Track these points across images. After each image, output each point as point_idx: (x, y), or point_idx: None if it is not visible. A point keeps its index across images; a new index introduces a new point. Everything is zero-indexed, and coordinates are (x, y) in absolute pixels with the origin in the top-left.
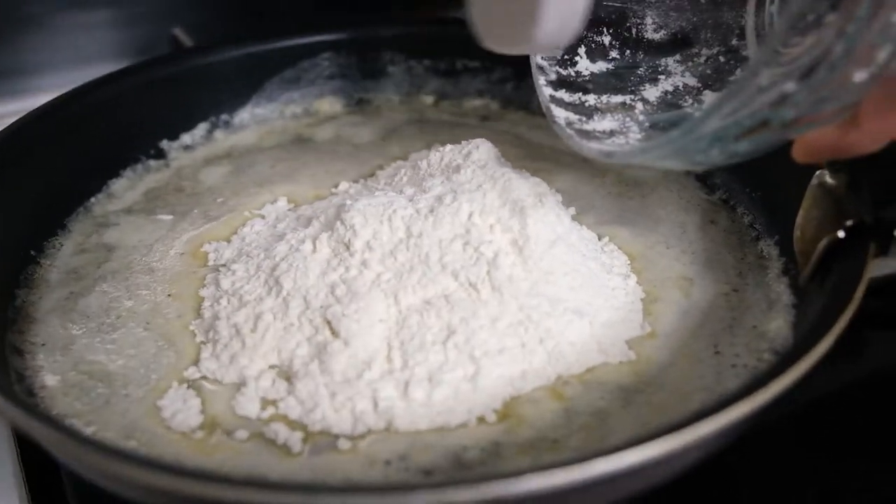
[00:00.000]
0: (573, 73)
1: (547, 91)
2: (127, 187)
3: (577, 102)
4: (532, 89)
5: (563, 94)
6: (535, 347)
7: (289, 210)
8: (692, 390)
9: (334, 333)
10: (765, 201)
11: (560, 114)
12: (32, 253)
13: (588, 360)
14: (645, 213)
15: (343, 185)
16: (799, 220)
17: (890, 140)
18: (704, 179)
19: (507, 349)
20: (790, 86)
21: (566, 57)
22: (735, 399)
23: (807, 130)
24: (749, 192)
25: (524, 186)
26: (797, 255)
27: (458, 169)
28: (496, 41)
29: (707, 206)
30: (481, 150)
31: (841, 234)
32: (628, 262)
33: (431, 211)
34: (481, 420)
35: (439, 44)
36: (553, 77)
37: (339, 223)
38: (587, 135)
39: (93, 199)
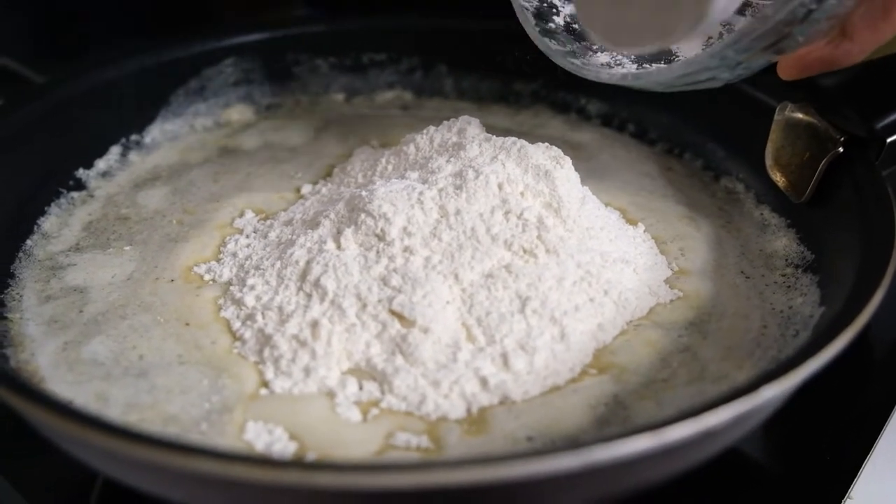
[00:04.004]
0: (553, 15)
1: (544, 38)
2: (60, 224)
3: (570, 43)
4: (442, 77)
5: (556, 38)
6: (603, 300)
7: (260, 220)
8: (748, 310)
9: (407, 323)
10: (710, 146)
11: (564, 53)
12: None
13: (646, 303)
14: (607, 170)
15: (307, 188)
16: (769, 152)
17: (876, 47)
18: (640, 136)
19: (580, 306)
20: (813, 5)
21: (544, 4)
22: (860, 302)
23: (805, 46)
24: (692, 141)
25: (538, 152)
26: (779, 182)
27: (459, 146)
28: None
29: (656, 158)
30: (473, 125)
31: (841, 149)
32: (620, 214)
33: (458, 188)
34: (585, 375)
35: (343, 39)
36: (536, 23)
37: (363, 215)
38: (596, 68)
39: (29, 242)
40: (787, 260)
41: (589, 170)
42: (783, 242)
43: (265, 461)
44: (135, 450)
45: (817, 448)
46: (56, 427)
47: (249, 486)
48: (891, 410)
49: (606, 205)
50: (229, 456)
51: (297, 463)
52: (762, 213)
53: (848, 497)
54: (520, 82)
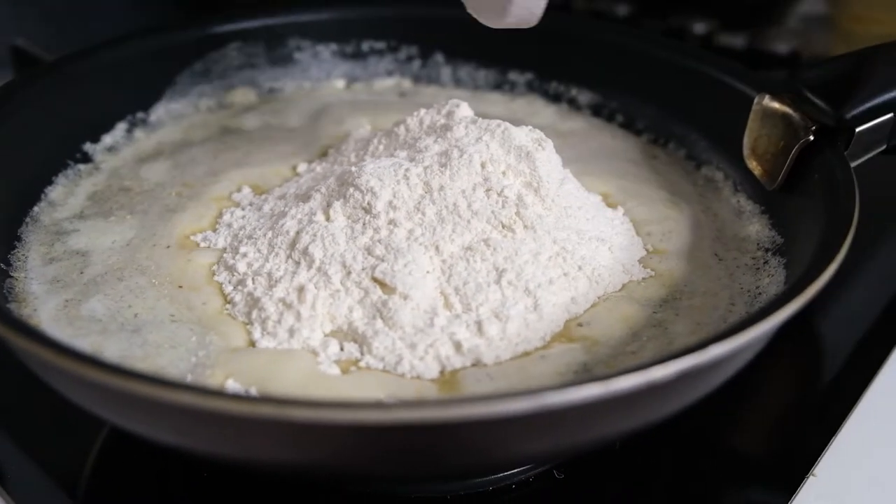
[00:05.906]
0: None
1: None
2: (66, 194)
3: None
4: (440, 65)
5: None
6: (577, 274)
7: (257, 195)
8: (718, 289)
9: (388, 290)
10: (693, 137)
11: None
12: (3, 266)
13: (618, 280)
14: (594, 156)
15: (303, 166)
16: (747, 141)
17: None
18: (627, 126)
19: (554, 279)
20: None
21: None
22: (812, 275)
23: None
24: (676, 132)
25: (521, 134)
26: (755, 170)
27: (447, 128)
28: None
29: (642, 146)
30: (462, 108)
31: (811, 137)
32: (601, 198)
33: (443, 166)
34: (555, 344)
35: (344, 27)
36: None
37: (351, 189)
38: None
39: (36, 209)
40: (758, 244)
41: (577, 155)
42: (756, 227)
43: (238, 396)
44: (122, 382)
45: (783, 426)
46: (59, 365)
47: (225, 421)
48: (861, 392)
49: (591, 189)
50: (206, 391)
51: (271, 398)
52: (738, 200)
53: (811, 475)
54: (514, 72)
